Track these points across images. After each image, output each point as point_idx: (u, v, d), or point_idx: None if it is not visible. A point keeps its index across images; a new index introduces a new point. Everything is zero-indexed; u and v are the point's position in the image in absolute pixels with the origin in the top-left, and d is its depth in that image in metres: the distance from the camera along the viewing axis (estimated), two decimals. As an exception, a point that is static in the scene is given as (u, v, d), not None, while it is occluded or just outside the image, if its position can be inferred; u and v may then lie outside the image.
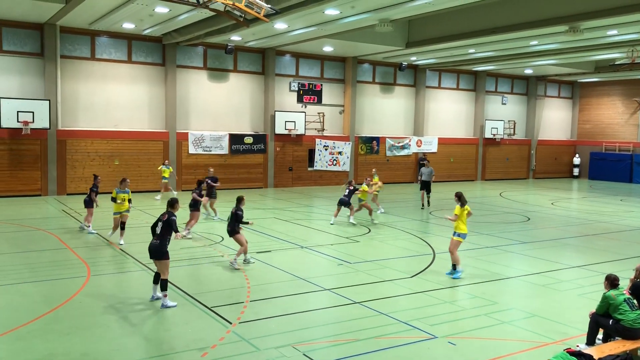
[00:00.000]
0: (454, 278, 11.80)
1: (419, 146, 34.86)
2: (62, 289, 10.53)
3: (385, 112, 34.07)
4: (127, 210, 14.81)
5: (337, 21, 21.47)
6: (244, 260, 12.73)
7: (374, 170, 22.98)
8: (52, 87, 24.04)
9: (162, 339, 8.26)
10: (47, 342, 7.97)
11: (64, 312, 9.24)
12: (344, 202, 18.39)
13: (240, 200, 12.81)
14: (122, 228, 14.67)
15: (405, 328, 8.80)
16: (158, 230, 9.78)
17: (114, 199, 14.67)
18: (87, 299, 9.95)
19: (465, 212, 11.88)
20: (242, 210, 12.70)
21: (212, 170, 20.03)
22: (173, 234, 9.77)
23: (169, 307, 9.54)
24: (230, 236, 12.73)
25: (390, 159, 33.96)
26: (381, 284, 11.38)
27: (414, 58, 31.38)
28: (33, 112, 23.02)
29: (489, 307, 10.02)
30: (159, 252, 9.68)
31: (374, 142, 33.26)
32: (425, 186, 22.90)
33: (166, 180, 23.88)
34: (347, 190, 18.52)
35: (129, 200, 14.86)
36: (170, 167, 24.41)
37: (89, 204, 16.38)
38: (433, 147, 35.40)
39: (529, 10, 20.97)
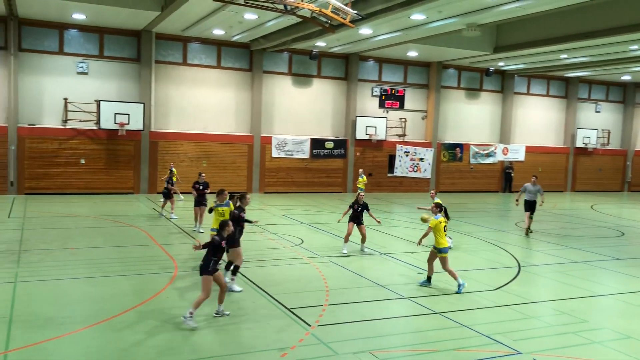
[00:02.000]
0: (420, 284, 11.45)
1: (505, 154, 33.76)
2: (151, 284, 11.05)
3: (470, 119, 33.26)
4: None
5: (423, 26, 21.24)
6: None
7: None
8: (147, 91, 25.37)
9: (244, 336, 8.46)
10: (136, 334, 8.37)
11: (152, 306, 9.67)
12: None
13: (242, 198, 11.17)
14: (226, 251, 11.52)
15: (487, 342, 8.52)
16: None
17: (211, 210, 12.32)
18: (174, 294, 10.37)
19: (442, 224, 11.17)
20: (243, 210, 11.04)
21: (203, 175, 17.28)
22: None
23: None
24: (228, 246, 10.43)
25: (474, 166, 33.11)
26: (462, 295, 11.08)
27: (501, 63, 30.47)
28: (129, 115, 24.40)
29: (578, 325, 9.50)
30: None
31: (458, 149, 32.54)
32: (531, 207, 18.47)
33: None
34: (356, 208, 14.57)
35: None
36: (175, 170, 22.64)
37: (167, 195, 18.66)
38: (520, 156, 34.17)
39: (628, 12, 19.79)
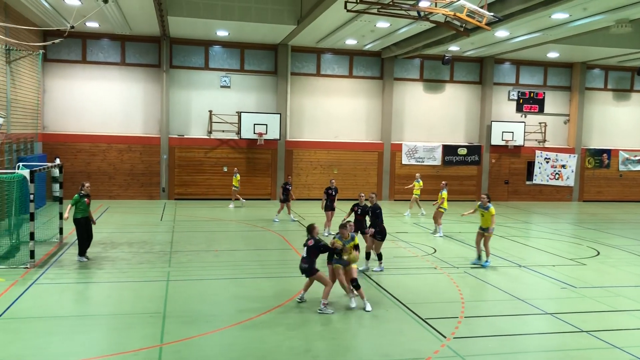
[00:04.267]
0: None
1: (661, 160, 30.64)
2: (288, 286, 11.47)
3: (619, 122, 30.67)
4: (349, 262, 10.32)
5: (565, 25, 20.00)
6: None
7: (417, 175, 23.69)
8: (283, 102, 26.50)
9: (378, 344, 8.50)
10: (276, 334, 8.75)
11: (290, 308, 10.06)
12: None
13: None
14: (352, 284, 10.20)
15: (644, 367, 7.80)
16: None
17: (339, 254, 10.36)
18: (309, 298, 10.67)
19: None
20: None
21: (333, 181, 18.56)
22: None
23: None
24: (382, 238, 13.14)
25: (623, 174, 30.45)
26: (613, 313, 10.24)
27: (657, 61, 27.75)
28: (266, 125, 25.64)
29: None
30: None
31: (604, 155, 30.13)
32: None
33: (236, 188, 23.80)
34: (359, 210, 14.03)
35: (356, 247, 10.34)
36: (238, 175, 24.01)
37: (284, 200, 19.89)
38: (679, 162, 30.85)
39: None
